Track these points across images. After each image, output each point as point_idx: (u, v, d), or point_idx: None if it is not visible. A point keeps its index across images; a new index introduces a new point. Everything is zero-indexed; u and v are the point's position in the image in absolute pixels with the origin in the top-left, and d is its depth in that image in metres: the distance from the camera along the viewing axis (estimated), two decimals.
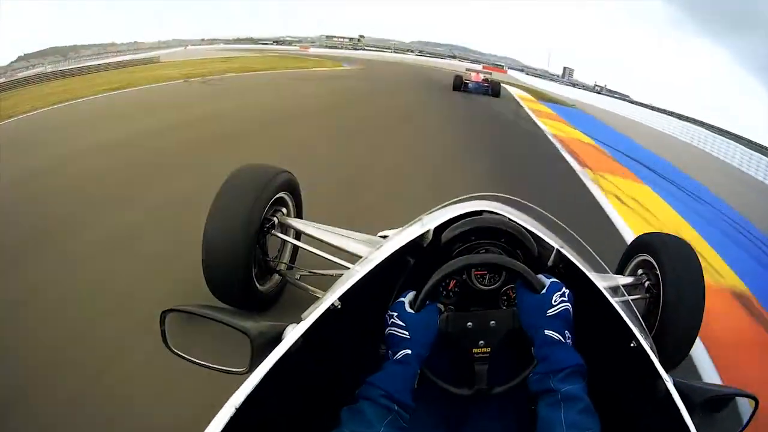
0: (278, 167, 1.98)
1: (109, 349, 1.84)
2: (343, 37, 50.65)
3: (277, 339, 0.80)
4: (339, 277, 1.15)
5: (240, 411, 0.65)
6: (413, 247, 1.15)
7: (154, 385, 1.68)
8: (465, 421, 1.06)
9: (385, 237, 1.61)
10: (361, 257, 1.27)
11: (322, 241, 1.86)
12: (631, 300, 1.94)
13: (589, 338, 1.01)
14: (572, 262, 1.15)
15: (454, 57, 46.22)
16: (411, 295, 0.99)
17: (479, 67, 25.24)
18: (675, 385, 0.85)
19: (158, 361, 1.44)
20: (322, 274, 1.90)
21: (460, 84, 15.15)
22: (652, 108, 24.59)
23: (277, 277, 2.05)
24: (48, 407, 1.58)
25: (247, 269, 1.78)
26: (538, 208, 1.44)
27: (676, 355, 1.88)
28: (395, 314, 0.95)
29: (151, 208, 3.31)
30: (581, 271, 1.13)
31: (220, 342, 0.85)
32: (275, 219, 1.92)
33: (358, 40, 49.45)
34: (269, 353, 0.74)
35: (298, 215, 2.12)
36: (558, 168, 6.43)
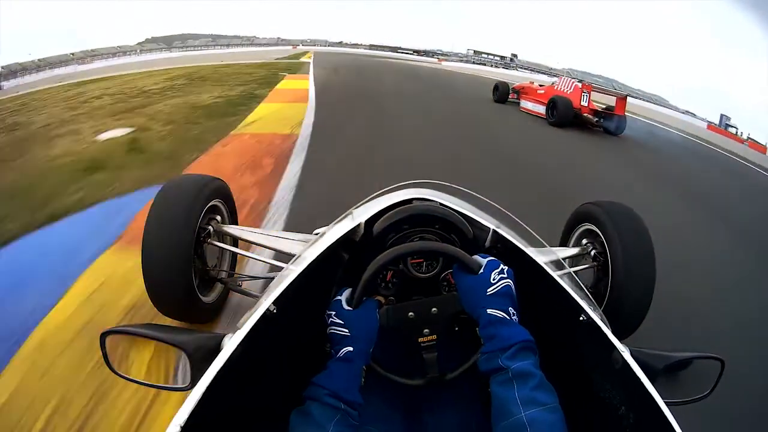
0: (208, 176, 1.96)
1: None
2: (494, 55, 42.56)
3: (216, 350, 0.77)
4: None
5: (185, 429, 0.63)
6: (346, 242, 1.14)
7: None
8: (421, 408, 1.05)
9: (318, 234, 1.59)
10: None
11: (258, 244, 1.88)
12: (580, 270, 2.02)
13: (538, 316, 1.01)
14: (509, 240, 1.15)
15: None
16: (347, 292, 0.98)
17: None
18: (632, 354, 0.84)
19: None
20: (263, 278, 1.93)
21: None
22: None
23: (219, 285, 2.04)
24: None
25: (188, 281, 1.76)
26: (470, 191, 1.43)
27: (631, 321, 1.85)
28: (333, 313, 0.94)
29: None
30: (520, 248, 1.12)
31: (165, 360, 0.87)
32: (210, 228, 1.92)
33: (511, 59, 41.50)
34: (209, 366, 0.72)
35: (233, 222, 2.12)
36: None
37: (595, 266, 2.01)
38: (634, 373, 0.80)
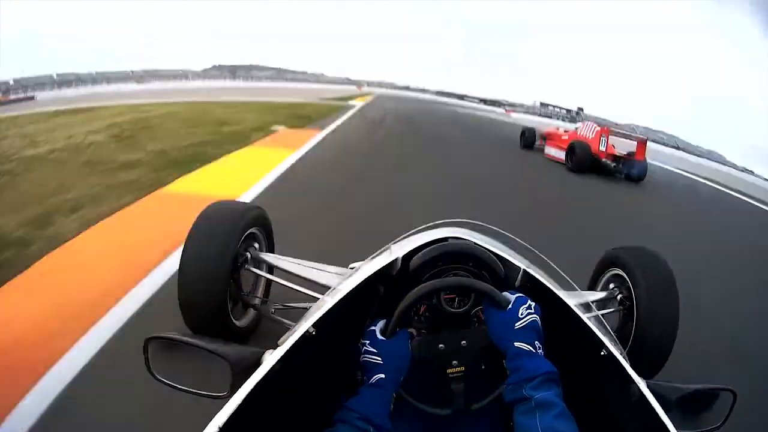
0: (249, 203, 2.05)
1: None
2: (560, 107, 41.69)
3: (256, 364, 0.83)
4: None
5: (223, 430, 0.67)
6: (383, 275, 1.18)
7: None
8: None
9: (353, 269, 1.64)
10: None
11: (294, 274, 1.92)
12: (605, 314, 2.04)
13: (562, 353, 1.03)
14: (539, 280, 1.18)
15: None
16: (382, 323, 1.02)
17: None
18: (649, 386, 0.88)
19: None
20: (295, 307, 1.96)
21: None
22: None
23: (252, 311, 2.09)
24: None
25: (223, 305, 1.82)
26: (504, 231, 1.47)
27: (654, 365, 1.89)
28: (367, 342, 0.98)
29: None
30: (549, 288, 1.15)
31: (201, 370, 0.86)
32: (248, 254, 1.98)
33: (577, 113, 38.84)
34: (249, 377, 0.77)
35: (270, 249, 2.18)
36: None
37: (621, 310, 2.05)
38: (650, 404, 0.83)
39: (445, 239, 1.28)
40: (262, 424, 0.80)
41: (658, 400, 0.83)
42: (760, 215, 10.01)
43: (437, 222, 1.46)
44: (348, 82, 50.15)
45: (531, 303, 1.00)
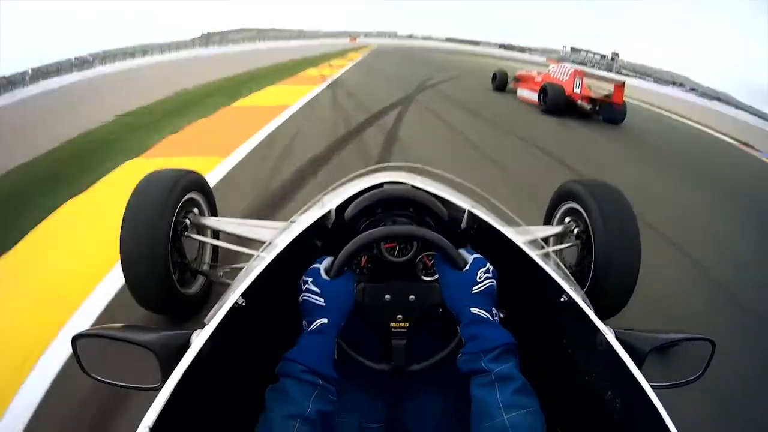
0: (184, 169, 1.96)
1: None
2: (594, 53, 35.40)
3: (185, 348, 0.75)
4: None
5: (154, 430, 0.60)
6: (318, 229, 1.11)
7: None
8: (401, 396, 1.04)
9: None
10: None
11: (234, 234, 1.87)
12: (563, 248, 2.05)
13: (518, 298, 0.99)
14: (485, 221, 1.13)
15: None
16: (327, 261, 0.95)
17: None
18: (617, 336, 0.82)
19: None
20: (242, 268, 1.93)
21: None
22: None
23: (201, 278, 2.05)
24: None
25: (167, 275, 1.76)
26: (443, 172, 1.40)
27: (616, 300, 1.84)
28: (310, 280, 0.91)
29: None
30: (496, 228, 1.09)
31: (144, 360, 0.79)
32: (187, 220, 1.91)
33: (612, 58, 33.98)
34: (177, 365, 0.70)
35: (213, 213, 2.11)
36: None
37: (578, 244, 1.99)
38: (619, 357, 0.77)
39: (381, 185, 1.21)
40: (198, 411, 0.75)
41: (629, 352, 0.78)
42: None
43: (370, 168, 1.38)
44: (345, 35, 44.98)
45: (489, 267, 0.93)
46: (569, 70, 9.05)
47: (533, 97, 9.47)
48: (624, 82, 8.98)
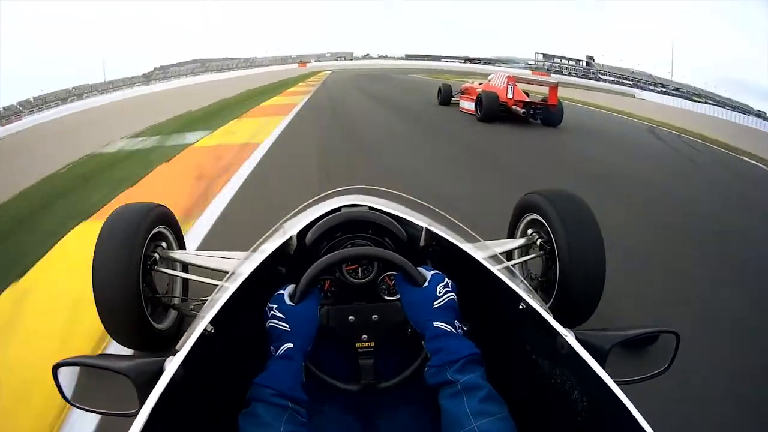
0: (151, 203, 1.97)
1: None
2: (569, 59, 33.55)
3: (159, 374, 0.77)
4: None
5: None
6: (281, 256, 1.14)
7: None
8: (374, 414, 1.05)
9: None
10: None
11: (201, 266, 1.90)
12: (528, 260, 2.09)
13: (480, 311, 1.02)
14: (443, 237, 1.16)
15: None
16: (290, 287, 0.98)
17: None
18: (577, 338, 0.84)
19: None
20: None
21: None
22: None
23: (173, 312, 2.05)
24: None
25: (139, 310, 1.76)
26: (398, 192, 1.42)
27: (584, 307, 1.84)
28: (275, 306, 0.94)
29: None
30: (455, 245, 1.12)
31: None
32: (156, 255, 1.93)
33: (588, 63, 32.24)
34: (152, 390, 0.72)
35: (181, 246, 2.13)
36: None
37: (542, 255, 2.04)
38: (581, 357, 0.79)
39: (339, 209, 1.24)
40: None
41: (590, 351, 0.80)
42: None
43: (329, 192, 1.42)
44: (290, 60, 44.00)
45: (448, 281, 0.97)
46: (504, 77, 9.40)
47: (471, 106, 9.85)
48: (557, 84, 9.37)
